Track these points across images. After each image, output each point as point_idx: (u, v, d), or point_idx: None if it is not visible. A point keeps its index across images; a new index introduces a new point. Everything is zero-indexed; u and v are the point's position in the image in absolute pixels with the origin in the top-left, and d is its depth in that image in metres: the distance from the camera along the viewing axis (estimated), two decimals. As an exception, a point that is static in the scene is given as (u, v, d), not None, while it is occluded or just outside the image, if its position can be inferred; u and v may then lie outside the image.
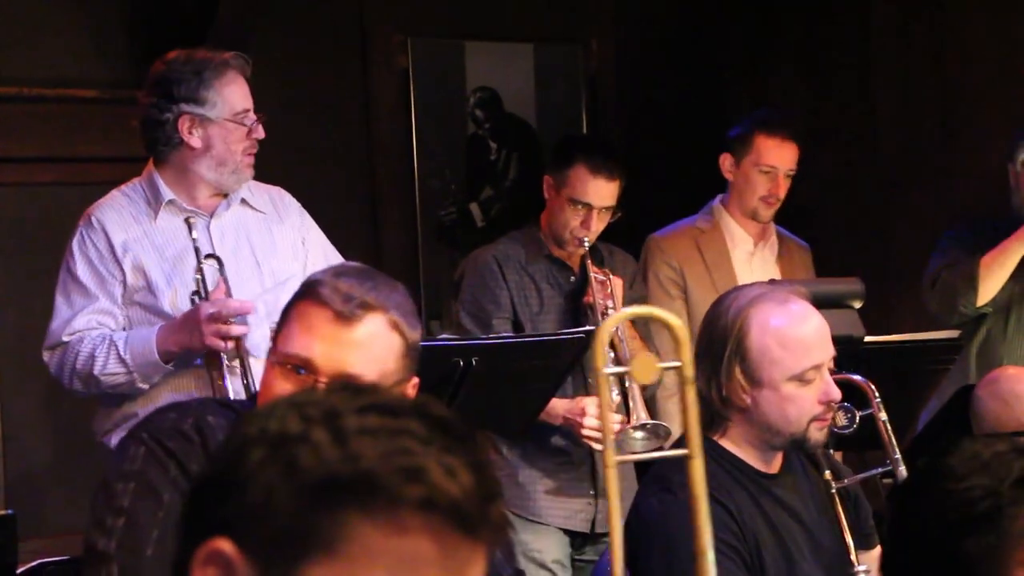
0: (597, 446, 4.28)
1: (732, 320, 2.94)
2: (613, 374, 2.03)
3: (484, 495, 1.33)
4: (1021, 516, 1.63)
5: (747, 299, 2.96)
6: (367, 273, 2.58)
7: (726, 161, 4.89)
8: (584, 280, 4.50)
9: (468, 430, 1.36)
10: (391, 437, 1.32)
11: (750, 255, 4.91)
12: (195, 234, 3.70)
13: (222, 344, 3.55)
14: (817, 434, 2.95)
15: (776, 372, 2.91)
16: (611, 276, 4.44)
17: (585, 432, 4.27)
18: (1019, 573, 1.62)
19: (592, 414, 4.24)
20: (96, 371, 3.65)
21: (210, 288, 3.65)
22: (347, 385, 1.38)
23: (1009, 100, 5.64)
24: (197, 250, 3.67)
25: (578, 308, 4.50)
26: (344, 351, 2.45)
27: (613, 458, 1.93)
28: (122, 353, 3.64)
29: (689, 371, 1.90)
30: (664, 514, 2.87)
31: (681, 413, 1.91)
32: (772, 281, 4.00)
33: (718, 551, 2.86)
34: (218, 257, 3.68)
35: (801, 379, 2.91)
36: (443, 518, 1.31)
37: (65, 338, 3.70)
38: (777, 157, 4.82)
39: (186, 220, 3.72)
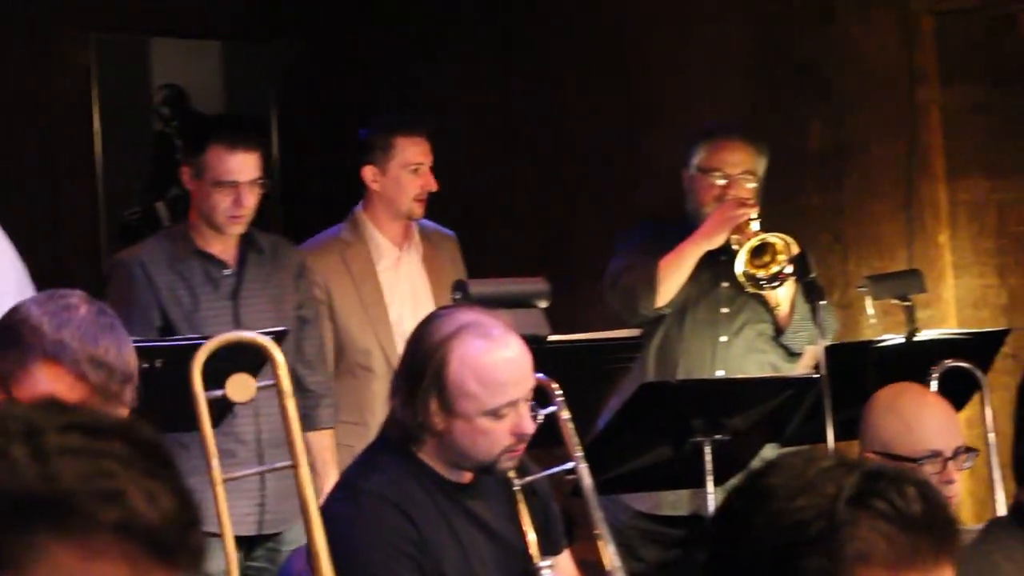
0: None
1: (434, 348, 2.95)
2: (212, 399, 2.08)
3: (184, 521, 1.31)
4: (857, 536, 1.55)
5: (452, 328, 2.96)
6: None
7: (369, 173, 4.85)
8: (241, 274, 4.43)
9: (172, 455, 1.34)
10: (92, 458, 1.28)
11: (396, 262, 4.89)
12: None
13: None
14: (508, 463, 3.01)
15: (471, 406, 2.94)
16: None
17: None
18: None
19: None
20: None
21: None
22: (52, 402, 1.35)
23: (686, 104, 5.83)
24: None
25: (237, 303, 4.42)
26: None
27: (220, 475, 1.97)
28: None
29: (286, 386, 1.95)
30: (347, 521, 2.87)
31: (283, 424, 1.94)
32: (461, 285, 3.98)
33: (397, 561, 2.90)
34: None
35: (495, 414, 2.95)
36: (139, 544, 1.28)
37: None
38: (422, 154, 4.84)
39: None
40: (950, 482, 3.47)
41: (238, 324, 4.34)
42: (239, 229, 4.39)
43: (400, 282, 4.85)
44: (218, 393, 2.04)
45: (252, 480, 4.33)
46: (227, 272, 4.42)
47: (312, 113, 6.50)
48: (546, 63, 6.26)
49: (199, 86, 6.24)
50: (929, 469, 3.45)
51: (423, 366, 2.95)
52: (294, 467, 1.96)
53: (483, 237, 5.34)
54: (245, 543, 4.39)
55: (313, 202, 6.44)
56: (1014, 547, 2.07)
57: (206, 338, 4.15)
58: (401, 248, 4.89)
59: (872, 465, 1.61)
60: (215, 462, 2.02)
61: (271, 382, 1.97)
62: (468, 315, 3.01)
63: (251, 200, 4.35)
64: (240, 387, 1.99)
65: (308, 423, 4.55)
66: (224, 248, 4.43)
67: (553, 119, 6.24)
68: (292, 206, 6.43)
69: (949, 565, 1.59)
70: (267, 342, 1.97)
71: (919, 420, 3.50)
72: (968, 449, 3.55)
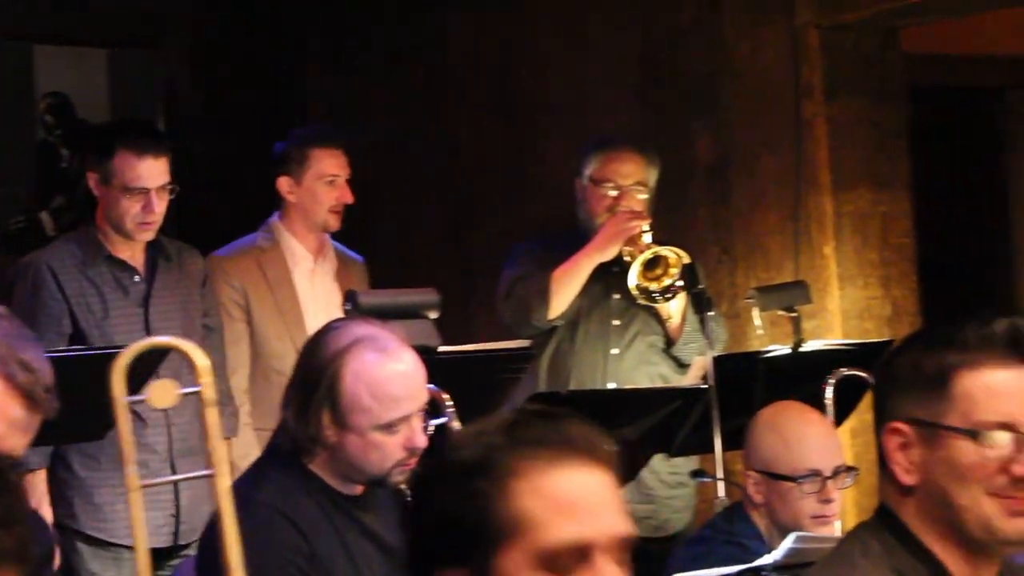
0: None
1: (327, 361, 2.93)
2: (134, 401, 2.06)
3: None
4: (513, 452, 1.68)
5: (346, 341, 2.95)
6: None
7: (284, 184, 4.84)
8: (151, 281, 4.38)
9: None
10: None
11: (311, 272, 4.88)
12: None
13: None
14: (399, 476, 3.00)
15: (364, 420, 2.92)
16: None
17: None
18: (522, 490, 1.66)
19: None
20: None
21: None
22: None
23: (578, 116, 5.85)
24: None
25: (147, 310, 4.37)
26: None
27: (136, 482, 1.95)
28: None
29: (209, 394, 1.93)
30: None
31: (202, 434, 1.92)
32: (351, 296, 3.95)
33: (287, 573, 2.87)
34: None
35: (389, 428, 2.94)
36: None
37: None
38: (338, 166, 4.85)
39: None
40: (829, 501, 3.51)
41: (148, 331, 4.31)
42: (148, 236, 4.36)
43: (315, 291, 4.84)
44: (140, 398, 2.01)
45: (166, 491, 4.29)
46: (137, 279, 4.38)
47: (199, 122, 6.44)
48: (438, 77, 6.26)
49: (84, 94, 6.17)
50: (809, 488, 3.49)
51: (316, 379, 2.93)
52: (213, 477, 1.94)
53: (374, 248, 5.33)
54: (159, 555, 4.34)
55: (200, 211, 6.37)
56: (872, 544, 2.12)
57: (114, 347, 4.14)
58: (315, 260, 4.89)
59: (532, 409, 1.77)
60: (131, 468, 1.99)
61: (196, 388, 1.94)
62: (362, 328, 2.99)
63: (161, 206, 4.33)
64: (162, 393, 1.96)
65: None
66: (133, 254, 4.39)
67: (445, 131, 6.24)
68: (179, 215, 6.35)
69: (605, 470, 1.72)
70: (189, 347, 1.94)
71: (799, 439, 3.53)
72: (848, 468, 3.58)
